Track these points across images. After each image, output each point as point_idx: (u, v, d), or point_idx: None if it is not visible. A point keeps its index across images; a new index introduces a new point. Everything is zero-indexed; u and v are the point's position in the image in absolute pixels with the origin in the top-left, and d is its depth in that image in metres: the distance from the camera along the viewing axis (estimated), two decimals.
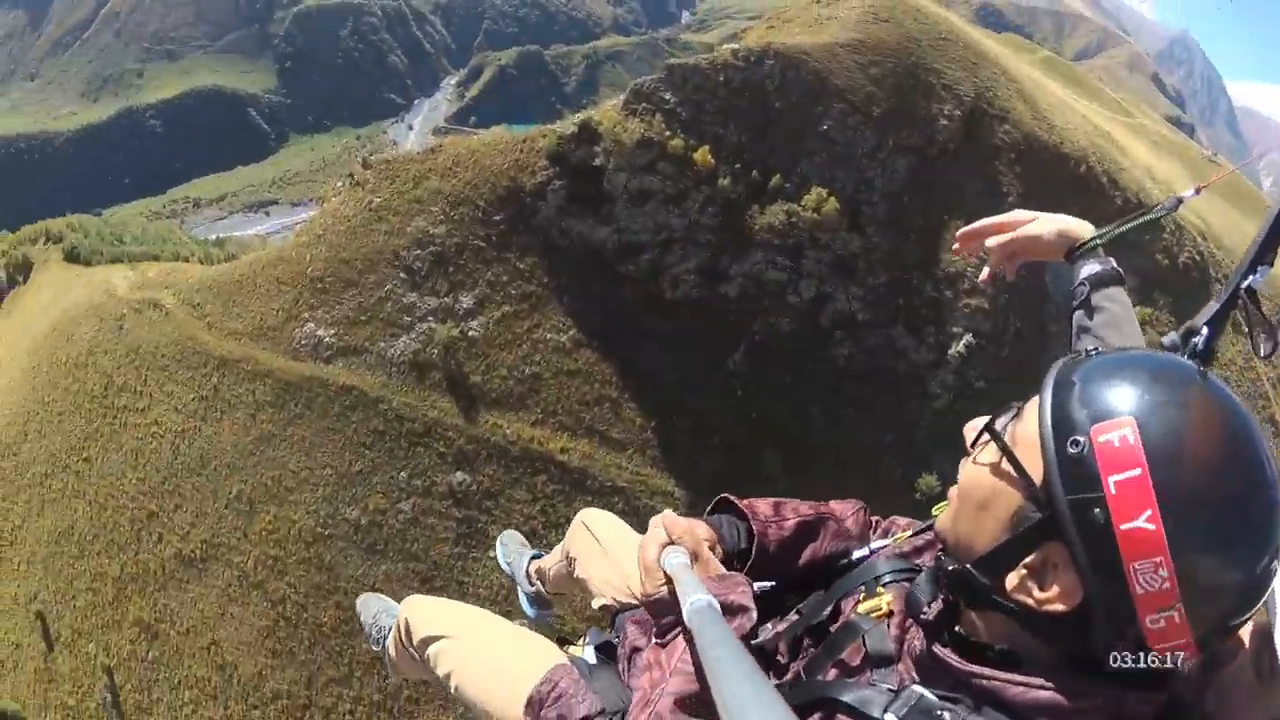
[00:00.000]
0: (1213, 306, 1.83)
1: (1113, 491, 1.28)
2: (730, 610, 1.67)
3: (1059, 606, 1.38)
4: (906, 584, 1.76)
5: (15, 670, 33.05)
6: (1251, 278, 1.85)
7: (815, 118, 35.38)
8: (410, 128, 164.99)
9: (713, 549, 1.93)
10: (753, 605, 1.74)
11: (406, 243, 34.43)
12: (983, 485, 1.51)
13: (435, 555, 31.35)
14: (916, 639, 1.64)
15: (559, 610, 4.19)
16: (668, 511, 1.96)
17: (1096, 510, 1.29)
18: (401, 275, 34.24)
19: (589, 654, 2.65)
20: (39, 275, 52.87)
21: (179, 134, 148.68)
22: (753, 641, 1.77)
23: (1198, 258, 42.69)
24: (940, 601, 1.64)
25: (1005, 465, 1.46)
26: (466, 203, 34.90)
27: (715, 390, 34.80)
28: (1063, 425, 1.36)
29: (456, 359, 33.57)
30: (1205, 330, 1.76)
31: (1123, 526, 1.27)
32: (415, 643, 3.00)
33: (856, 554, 2.06)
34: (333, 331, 33.59)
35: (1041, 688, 1.41)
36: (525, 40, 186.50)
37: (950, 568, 1.57)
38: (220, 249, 62.42)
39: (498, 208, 34.87)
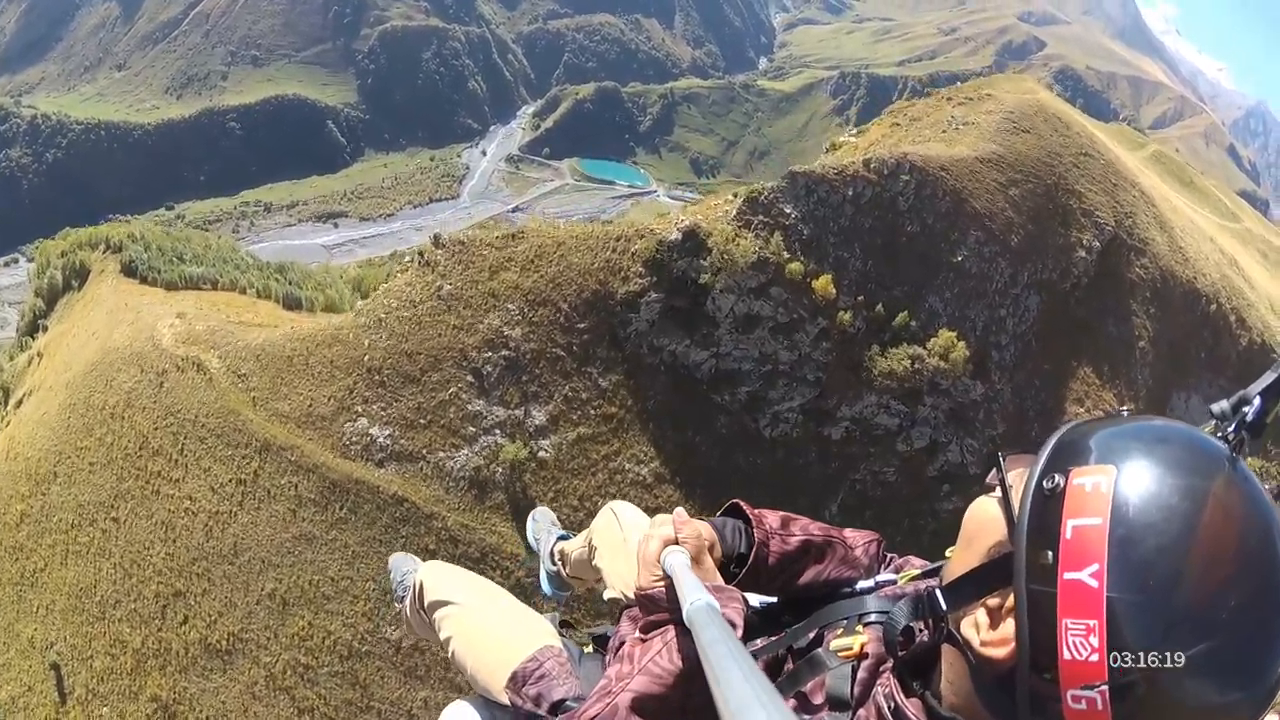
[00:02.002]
0: (1269, 376, 1.56)
1: (1067, 536, 1.19)
2: None
3: (995, 652, 1.33)
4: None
5: (25, 713, 29.97)
6: None
7: (951, 245, 30.63)
8: (484, 153, 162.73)
9: (711, 549, 1.89)
10: (741, 622, 1.67)
11: (477, 341, 30.11)
12: (976, 517, 1.48)
13: None
14: (890, 685, 1.59)
15: (577, 593, 3.95)
16: (679, 510, 1.91)
17: (1049, 553, 1.21)
18: (469, 378, 29.90)
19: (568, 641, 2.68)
20: (94, 286, 50.04)
21: (257, 138, 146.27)
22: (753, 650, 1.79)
23: None
24: (920, 635, 1.60)
25: (1000, 500, 1.41)
26: (547, 304, 30.49)
27: None
28: (1051, 464, 1.30)
29: (522, 481, 29.18)
30: (1258, 400, 1.52)
31: (1065, 575, 1.18)
32: (426, 605, 3.11)
33: (861, 584, 2.02)
34: (388, 432, 29.36)
35: None
36: (603, 76, 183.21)
37: (927, 593, 1.49)
38: (282, 278, 58.58)
39: (582, 313, 30.43)
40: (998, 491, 1.47)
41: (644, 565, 1.80)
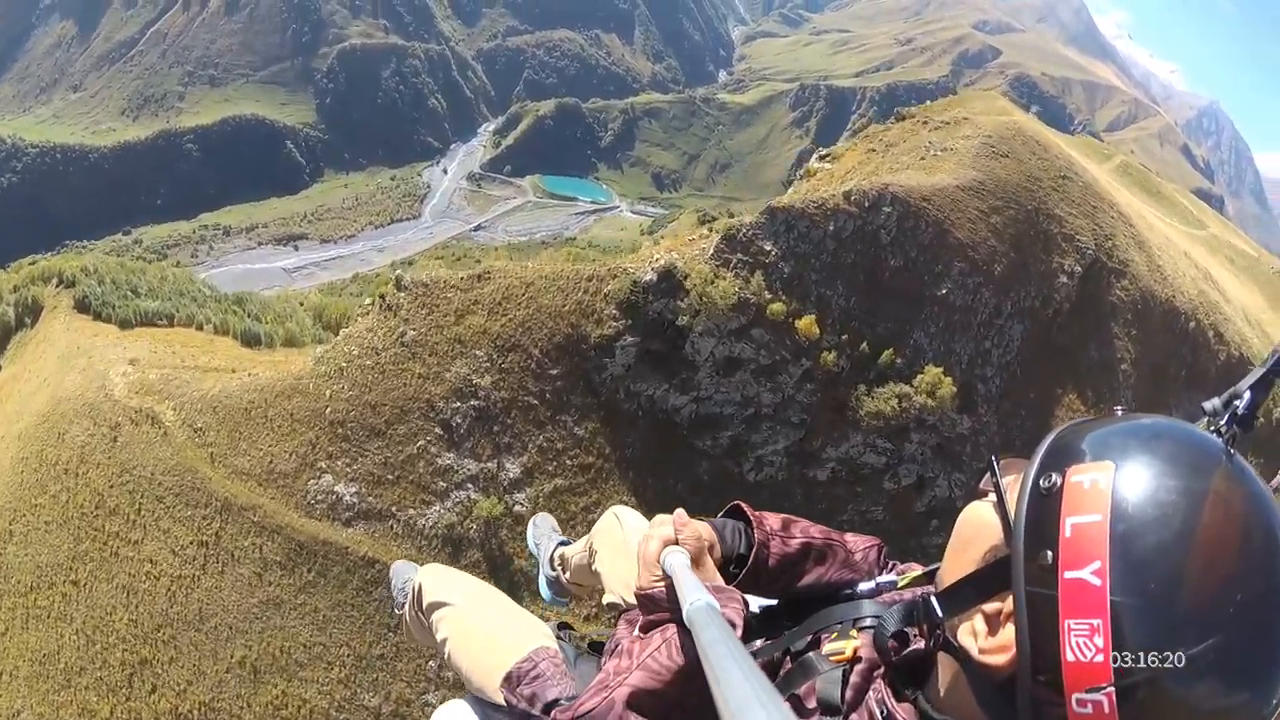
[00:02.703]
0: (1258, 371, 1.59)
1: (1067, 534, 1.15)
2: None
3: (995, 659, 1.29)
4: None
5: None
6: None
7: (935, 278, 29.40)
8: (445, 171, 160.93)
9: (710, 550, 1.88)
10: (740, 623, 1.65)
11: (444, 391, 28.36)
12: (971, 522, 1.44)
13: None
14: (882, 691, 1.57)
15: (578, 599, 3.99)
16: (679, 510, 1.90)
17: (1049, 554, 1.16)
18: (437, 430, 28.14)
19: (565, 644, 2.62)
20: (47, 324, 47.11)
21: (215, 160, 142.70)
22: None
23: None
24: (914, 639, 1.59)
25: (995, 504, 1.37)
26: (518, 349, 28.83)
27: None
28: (1048, 462, 1.25)
29: (498, 538, 27.50)
30: (1248, 394, 1.54)
31: (1066, 574, 1.13)
32: (424, 607, 3.07)
33: (862, 587, 1.99)
34: (354, 489, 27.51)
35: None
36: (564, 92, 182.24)
37: (921, 599, 1.47)
38: (240, 310, 56.21)
39: (555, 359, 28.82)
40: (992, 496, 1.41)
41: (644, 565, 1.75)
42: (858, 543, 2.19)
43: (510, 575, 27.31)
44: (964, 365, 29.36)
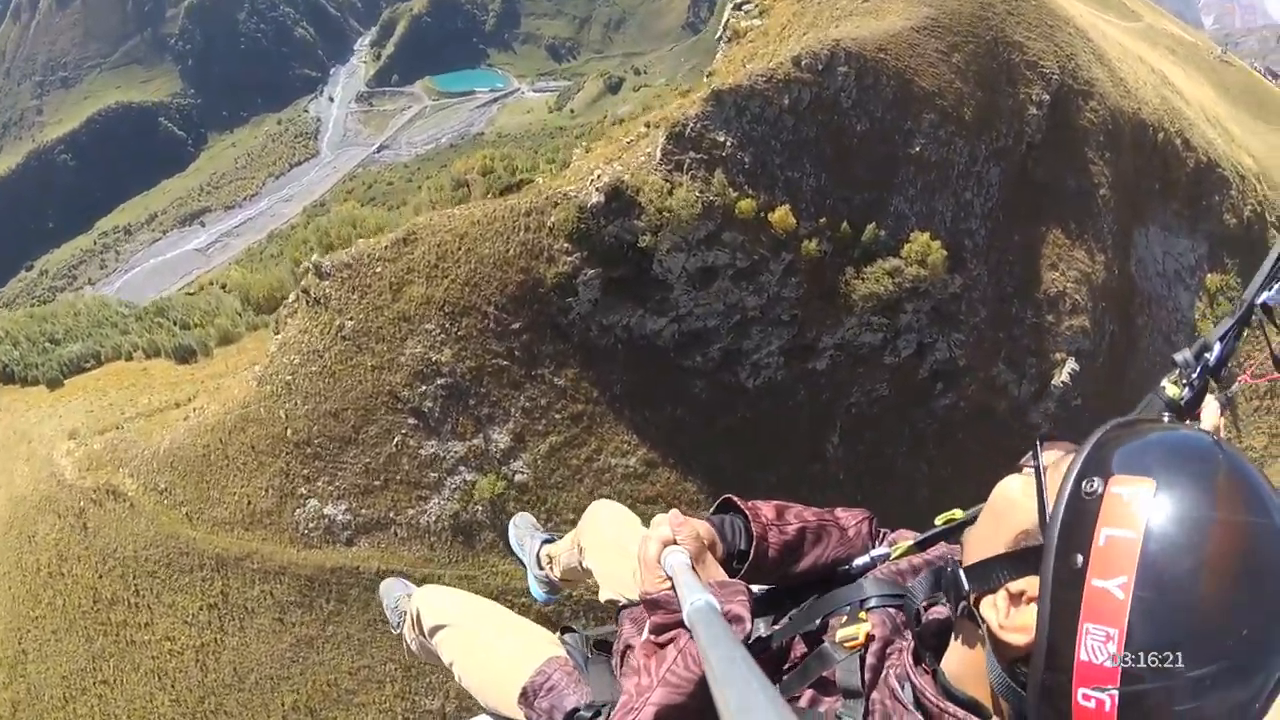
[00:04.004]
0: (1226, 323, 1.79)
1: (1100, 544, 1.17)
2: (728, 618, 1.55)
3: (1013, 638, 1.31)
4: (893, 610, 1.71)
5: None
6: (1266, 294, 1.81)
7: (905, 136, 26.40)
8: (331, 99, 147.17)
9: (712, 548, 1.86)
10: (749, 616, 1.64)
11: (405, 377, 25.07)
12: (1006, 498, 1.45)
13: None
14: (902, 664, 1.59)
15: (569, 593, 3.87)
16: (674, 510, 1.86)
17: (1079, 557, 1.19)
18: (411, 421, 25.01)
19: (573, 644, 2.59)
20: None
21: (92, 162, 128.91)
22: (762, 636, 1.77)
23: (1259, 207, 37.29)
24: (926, 614, 1.62)
25: (1032, 486, 1.39)
26: (471, 311, 25.43)
27: (817, 483, 26.63)
28: (1091, 466, 1.25)
29: (507, 512, 24.74)
30: (1218, 346, 1.77)
31: (1094, 581, 1.16)
32: (425, 629, 3.01)
33: (858, 561, 2.00)
34: (344, 506, 24.54)
35: None
36: None
37: (949, 568, 1.48)
38: (165, 321, 51.18)
39: (514, 312, 25.50)
40: (1028, 473, 1.43)
41: (646, 569, 1.72)
42: (849, 518, 2.11)
43: None
44: (948, 223, 26.82)
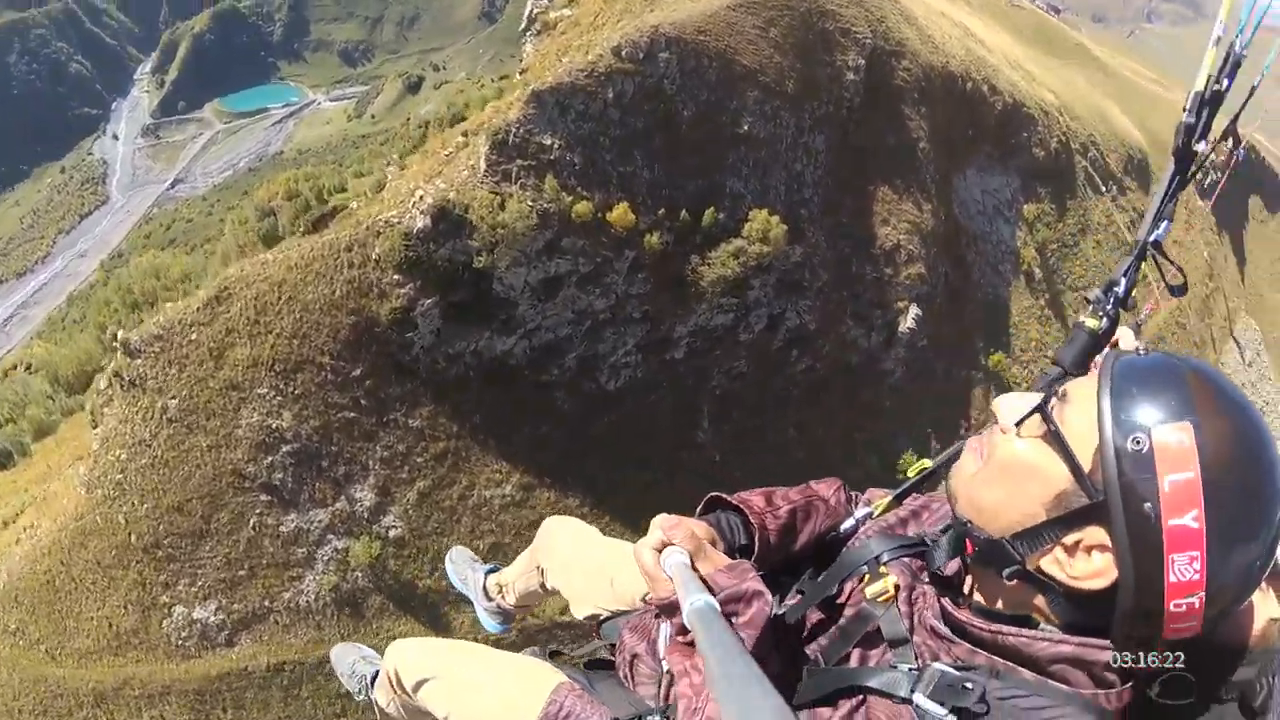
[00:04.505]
0: (1126, 261, 2.06)
1: (1166, 490, 1.28)
2: (746, 598, 1.62)
3: (1093, 584, 1.40)
4: (906, 560, 1.76)
5: None
6: (1156, 233, 2.04)
7: (732, 116, 25.49)
8: (116, 137, 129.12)
9: (712, 544, 1.84)
10: (766, 590, 1.68)
11: (246, 452, 22.57)
12: (1022, 464, 1.47)
13: None
14: (927, 609, 1.66)
15: (522, 619, 3.63)
16: (662, 515, 1.86)
17: (1148, 505, 1.30)
18: (263, 498, 22.70)
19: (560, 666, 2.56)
20: None
21: None
22: (778, 614, 1.74)
23: (1064, 138, 39.39)
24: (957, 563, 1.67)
25: (1052, 448, 1.44)
26: (304, 366, 22.96)
27: (693, 469, 26.68)
28: (1125, 423, 1.34)
29: (390, 570, 23.43)
30: (1123, 281, 2.06)
31: (1171, 522, 1.28)
32: (409, 687, 2.79)
33: (844, 527, 2.05)
34: (213, 606, 22.26)
35: (1063, 642, 1.45)
36: None
37: (982, 537, 1.53)
38: None
39: (351, 358, 23.21)
40: (1032, 436, 1.47)
41: (650, 578, 1.71)
42: (825, 489, 2.17)
43: (423, 600, 23.66)
44: (783, 196, 26.49)
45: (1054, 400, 1.47)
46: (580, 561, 2.85)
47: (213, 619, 22.08)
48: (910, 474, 2.07)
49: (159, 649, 21.99)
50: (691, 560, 1.68)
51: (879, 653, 1.65)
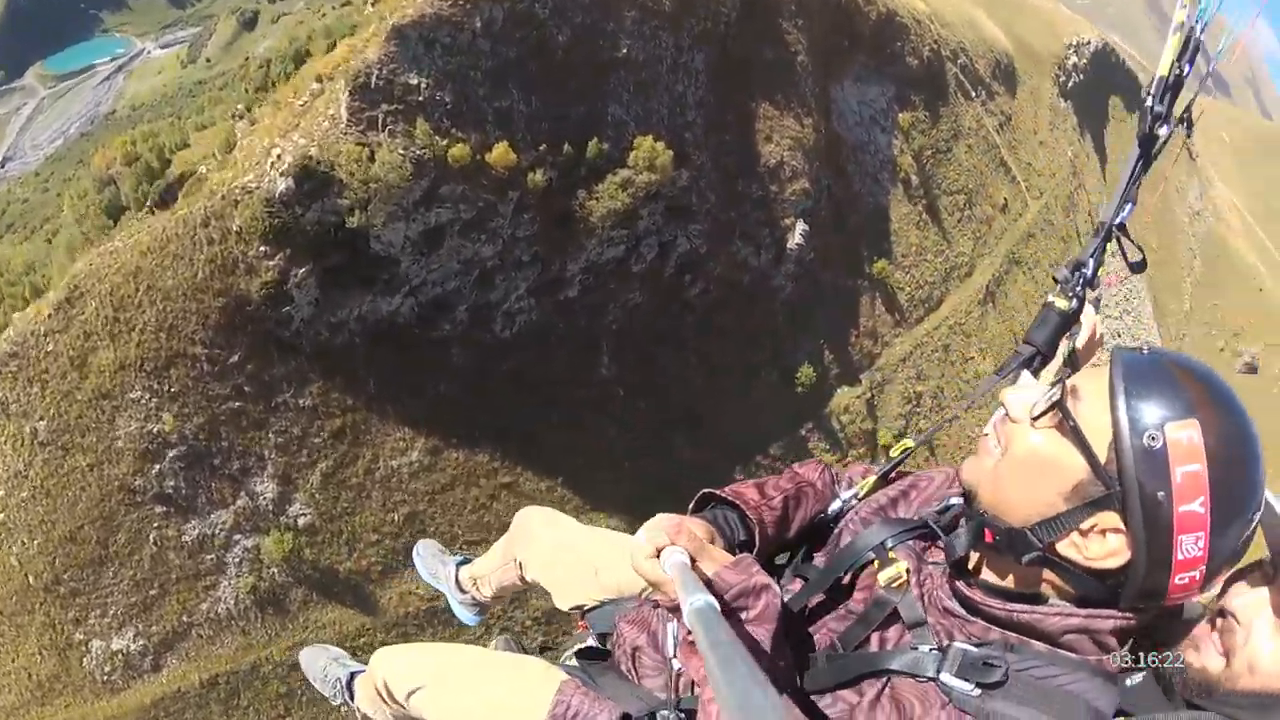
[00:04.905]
0: (1094, 242, 2.21)
1: (1178, 480, 1.40)
2: (755, 591, 1.63)
3: (1108, 564, 1.50)
4: (910, 543, 1.82)
5: None
6: (1121, 215, 2.18)
7: (610, 38, 23.71)
8: None
9: (711, 542, 1.80)
10: (773, 581, 1.67)
11: (131, 464, 20.66)
12: (1041, 458, 1.54)
13: None
14: (938, 589, 1.72)
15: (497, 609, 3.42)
16: (659, 515, 1.80)
17: (1161, 494, 1.41)
18: (159, 510, 21.03)
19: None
20: None
21: None
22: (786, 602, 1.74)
23: (935, 46, 39.21)
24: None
25: (1068, 441, 1.50)
26: (177, 360, 20.81)
27: (602, 408, 26.45)
28: (1138, 421, 1.43)
29: (308, 560, 22.47)
30: (1091, 263, 2.20)
31: (1181, 508, 1.40)
32: (400, 698, 2.63)
33: (832, 508, 2.08)
34: (130, 634, 20.99)
35: (1073, 615, 1.55)
36: None
37: (1003, 527, 1.59)
38: None
39: (227, 344, 21.19)
40: (1046, 428, 1.54)
41: (653, 583, 1.70)
42: (810, 473, 2.15)
43: (346, 584, 22.92)
44: (666, 120, 25.23)
45: (1066, 393, 1.53)
46: (561, 554, 2.80)
47: (133, 646, 20.79)
48: (893, 454, 2.08)
49: (85, 689, 20.79)
50: (693, 560, 1.66)
51: (896, 635, 1.71)
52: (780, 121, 28.77)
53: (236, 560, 21.58)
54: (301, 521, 22.27)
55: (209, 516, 21.33)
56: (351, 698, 3.21)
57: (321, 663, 3.45)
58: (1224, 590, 1.72)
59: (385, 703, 2.79)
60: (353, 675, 3.25)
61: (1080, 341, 2.24)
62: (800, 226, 29.23)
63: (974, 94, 41.90)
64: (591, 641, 2.55)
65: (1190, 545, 1.42)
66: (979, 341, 38.44)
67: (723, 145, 27.12)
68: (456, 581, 3.51)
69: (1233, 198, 79.94)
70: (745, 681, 1.07)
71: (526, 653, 2.84)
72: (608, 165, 23.94)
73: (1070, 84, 54.26)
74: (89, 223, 23.53)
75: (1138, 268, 2.23)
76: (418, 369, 23.67)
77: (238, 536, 21.61)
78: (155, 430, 20.60)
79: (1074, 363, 2.22)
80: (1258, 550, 1.64)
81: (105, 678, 20.61)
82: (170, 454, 20.79)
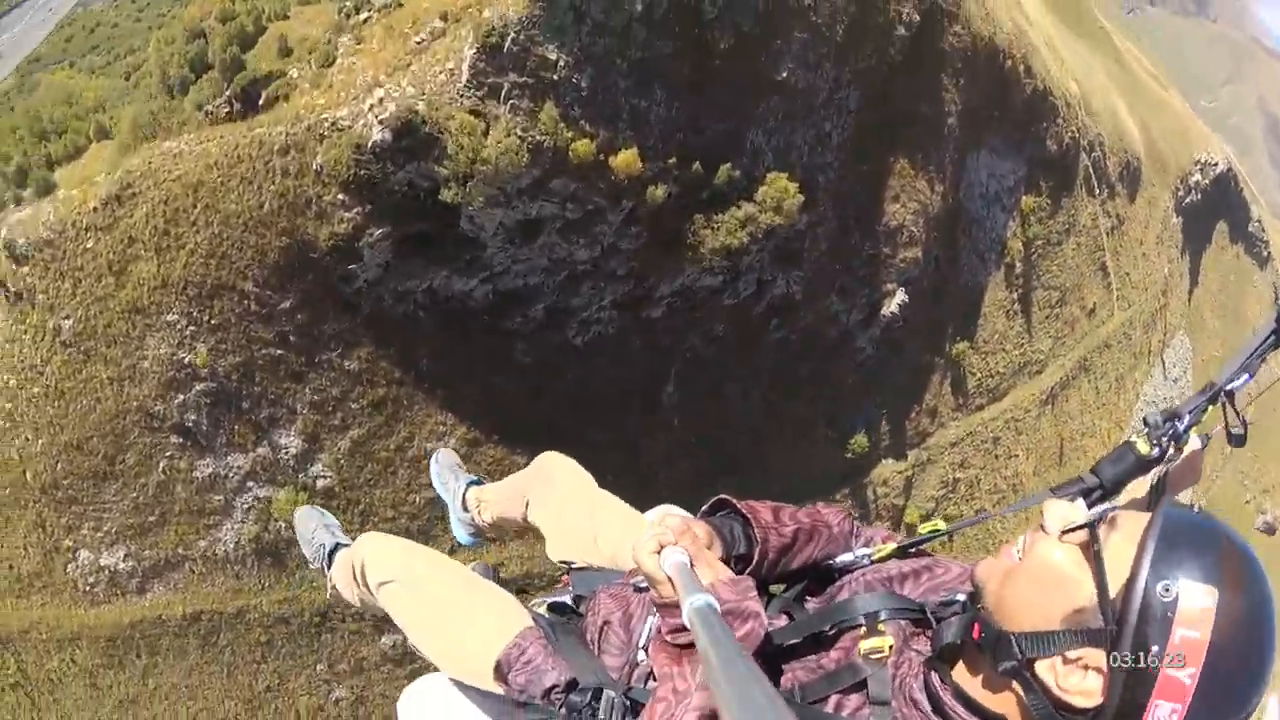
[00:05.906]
0: (1198, 399, 1.98)
1: (1175, 640, 1.31)
2: (743, 615, 1.59)
3: (1078, 700, 1.41)
4: (902, 623, 1.73)
5: None
6: (1235, 383, 1.98)
7: (773, 57, 21.02)
8: None
9: (709, 547, 1.77)
10: (763, 611, 1.65)
11: (154, 388, 18.92)
12: (1055, 573, 1.47)
13: None
14: (910, 676, 1.64)
15: (494, 538, 3.58)
16: (666, 508, 1.96)
17: (1155, 648, 1.32)
18: (174, 440, 19.37)
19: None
20: None
21: None
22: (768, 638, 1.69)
23: (1076, 134, 36.40)
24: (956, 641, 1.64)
25: (1087, 565, 1.44)
26: (223, 292, 18.84)
27: (653, 434, 24.58)
28: (1161, 569, 1.35)
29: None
30: (1186, 418, 1.96)
31: (1169, 671, 1.31)
32: (372, 585, 2.66)
33: (840, 559, 2.00)
34: (121, 553, 19.70)
35: None
36: None
37: (995, 628, 1.52)
38: None
39: (281, 287, 19.19)
40: (1071, 547, 1.48)
41: (652, 580, 1.65)
42: (832, 515, 2.07)
43: None
44: (804, 159, 22.66)
45: (1103, 522, 1.45)
46: (570, 506, 2.73)
47: (122, 565, 19.61)
48: (921, 530, 1.95)
49: (65, 593, 19.77)
50: (691, 562, 1.60)
51: (855, 703, 1.63)
52: (913, 183, 26.17)
53: (245, 507, 20.10)
54: (321, 484, 20.66)
55: (225, 458, 19.73)
56: (329, 567, 3.19)
57: (313, 525, 3.43)
58: None
59: (357, 584, 2.77)
60: (337, 546, 3.22)
61: (1174, 467, 1.99)
62: (900, 295, 26.91)
63: (1098, 191, 38.92)
64: (567, 599, 2.40)
65: (1164, 714, 1.32)
66: (1029, 441, 36.48)
67: (849, 195, 24.58)
68: (463, 499, 3.44)
69: None
70: (746, 680, 1.04)
71: (503, 586, 2.58)
72: (733, 193, 21.46)
73: (1187, 201, 50.96)
74: (158, 110, 21.48)
75: (1237, 441, 1.96)
76: (477, 357, 21.72)
77: (251, 484, 20.06)
78: (186, 359, 18.82)
79: (1161, 488, 1.97)
80: None
81: (87, 588, 19.62)
82: (197, 387, 19.05)
